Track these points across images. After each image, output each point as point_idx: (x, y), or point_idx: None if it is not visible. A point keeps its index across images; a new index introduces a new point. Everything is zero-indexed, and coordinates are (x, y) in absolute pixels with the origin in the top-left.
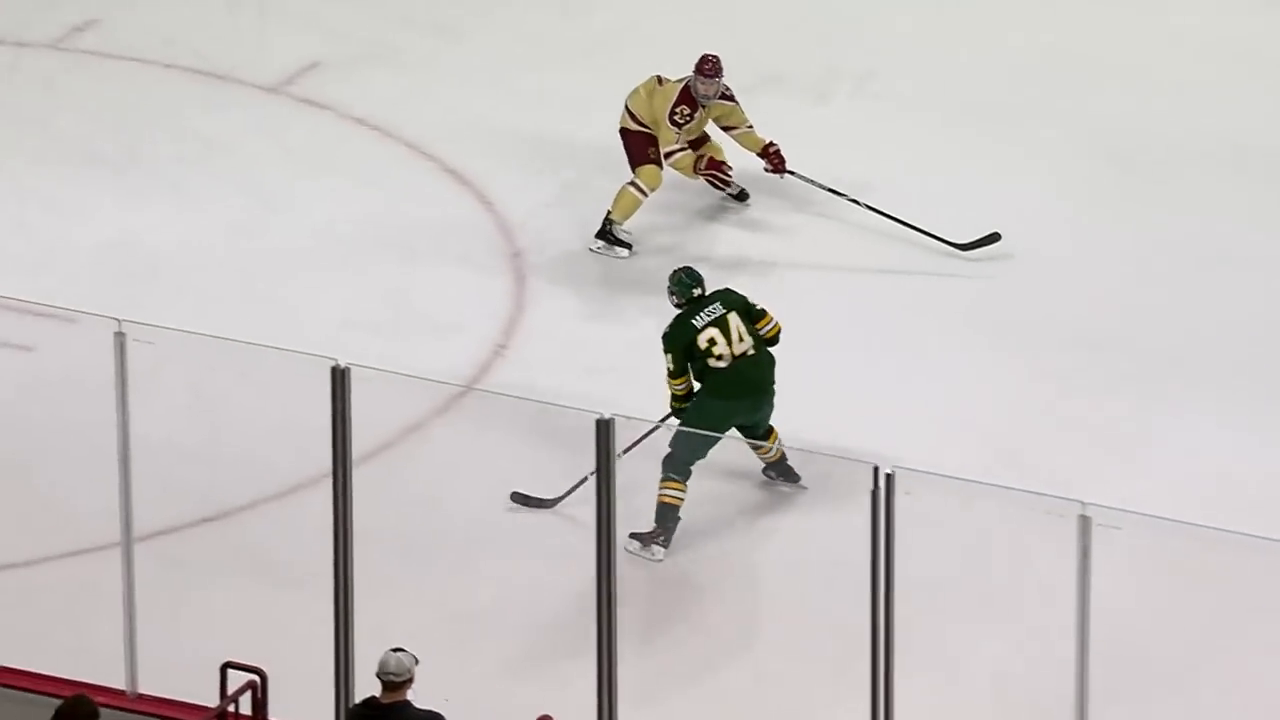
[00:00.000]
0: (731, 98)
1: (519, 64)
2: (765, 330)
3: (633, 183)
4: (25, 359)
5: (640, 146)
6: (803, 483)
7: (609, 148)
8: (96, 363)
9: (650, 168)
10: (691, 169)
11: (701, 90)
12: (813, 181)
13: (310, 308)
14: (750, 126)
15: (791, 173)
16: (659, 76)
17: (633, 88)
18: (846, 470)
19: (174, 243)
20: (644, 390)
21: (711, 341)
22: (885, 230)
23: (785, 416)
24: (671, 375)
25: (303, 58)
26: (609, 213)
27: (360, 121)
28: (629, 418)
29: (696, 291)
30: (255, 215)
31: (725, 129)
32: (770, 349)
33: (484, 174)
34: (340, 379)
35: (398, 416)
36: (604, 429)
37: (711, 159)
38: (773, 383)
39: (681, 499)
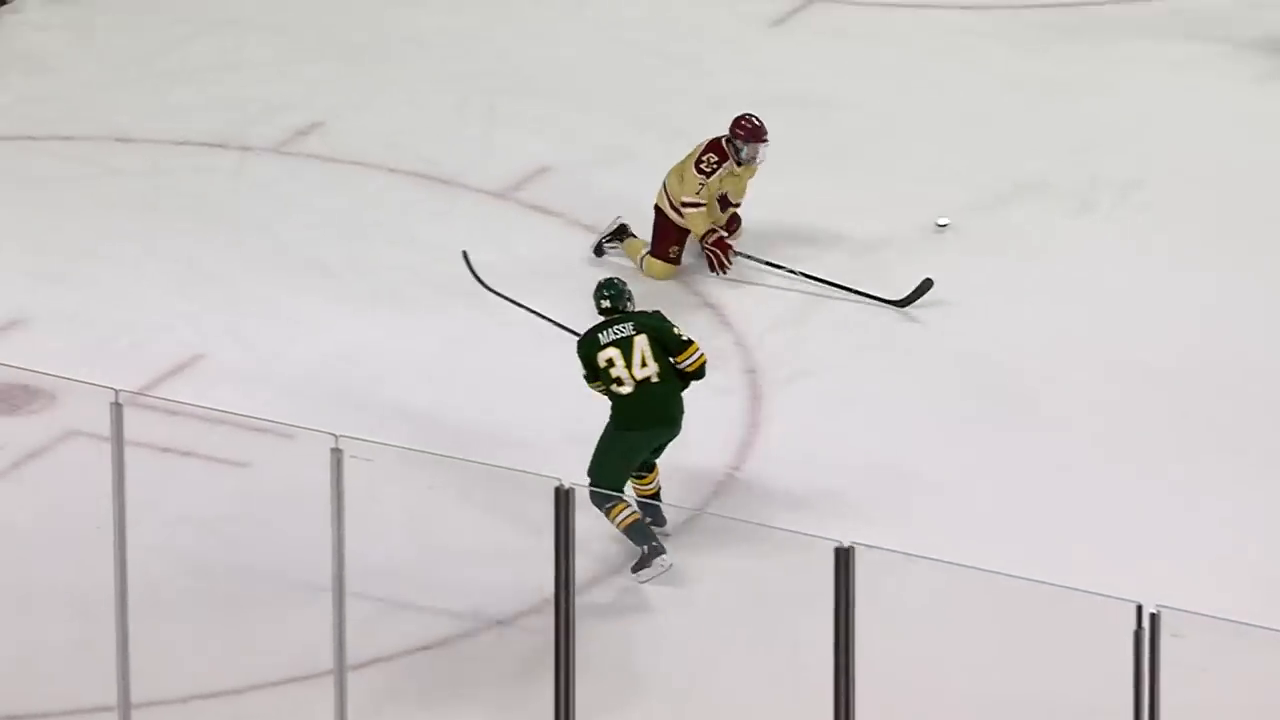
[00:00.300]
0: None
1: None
2: (685, 364)
3: (644, 258)
4: (240, 475)
5: (665, 236)
6: (666, 528)
7: (858, 258)
8: (312, 480)
9: (663, 265)
10: (701, 231)
11: (742, 151)
12: (752, 256)
13: (532, 424)
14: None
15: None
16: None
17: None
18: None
19: (395, 354)
20: (884, 517)
21: (610, 362)
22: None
23: (1039, 556)
24: (586, 380)
25: (531, 162)
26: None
27: (590, 229)
28: (869, 546)
29: (605, 304)
30: (477, 326)
31: (721, 196)
32: (691, 381)
33: (718, 286)
34: (564, 500)
35: (624, 540)
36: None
37: (722, 239)
38: (678, 415)
39: (635, 513)
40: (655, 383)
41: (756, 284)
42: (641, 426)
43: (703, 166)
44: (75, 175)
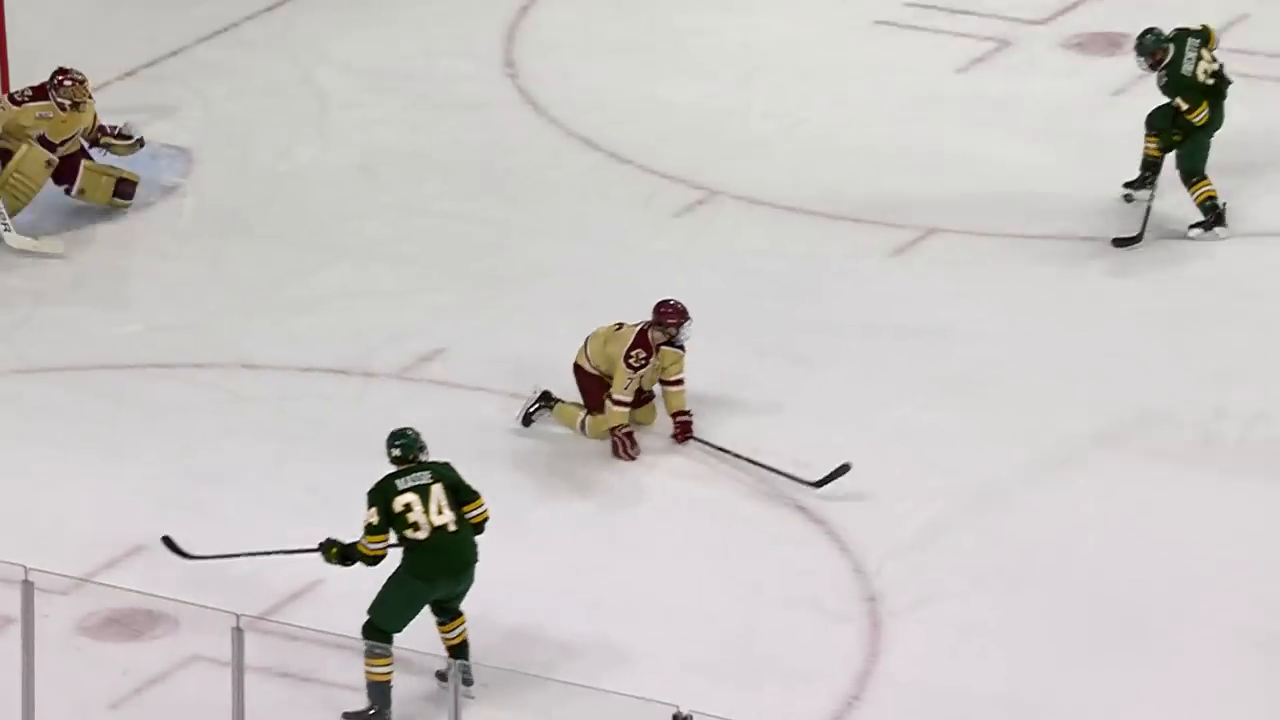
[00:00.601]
0: (682, 347)
1: (873, 398)
2: (472, 515)
3: (584, 420)
4: (359, 700)
5: (594, 390)
6: (472, 690)
7: (981, 491)
8: (428, 701)
9: (609, 413)
10: (614, 424)
11: (677, 334)
12: (711, 444)
13: (650, 649)
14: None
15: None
16: (620, 322)
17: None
18: None
19: (513, 573)
20: None
21: (408, 507)
22: None
23: None
24: (368, 531)
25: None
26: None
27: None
28: None
29: (395, 453)
30: (600, 552)
31: (664, 381)
32: (475, 534)
33: (839, 512)
34: None
35: None
36: None
37: (630, 432)
38: (472, 563)
39: (389, 673)
40: (451, 530)
41: (878, 509)
42: (435, 573)
43: (631, 362)
44: (203, 402)
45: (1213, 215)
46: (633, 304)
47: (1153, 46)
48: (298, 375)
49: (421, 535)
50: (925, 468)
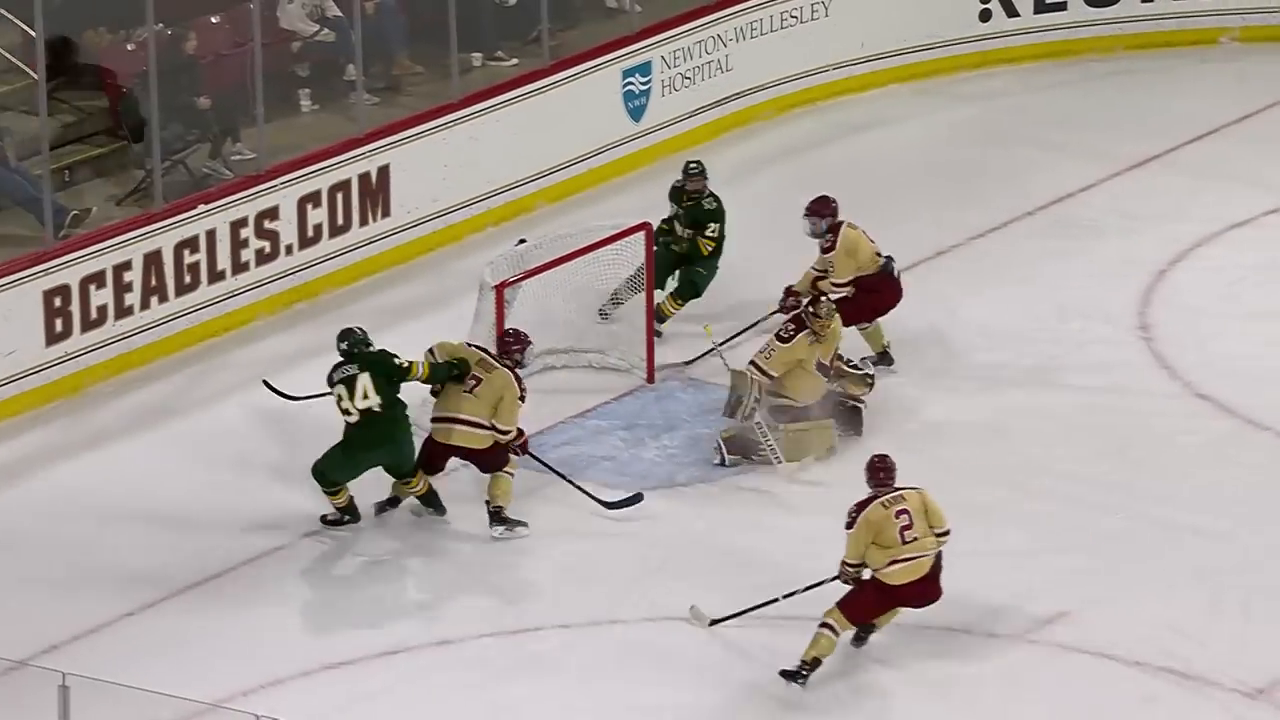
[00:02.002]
0: None
1: None
2: (416, 378)
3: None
4: None
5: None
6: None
7: None
8: None
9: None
10: None
11: None
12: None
13: None
14: None
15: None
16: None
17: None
18: None
19: None
20: None
21: (339, 398)
22: None
23: None
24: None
25: None
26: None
27: None
28: None
29: (342, 345)
30: None
31: None
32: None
33: None
34: None
35: None
36: None
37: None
38: (397, 435)
39: (347, 496)
40: (377, 411)
41: None
42: (368, 446)
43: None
44: (826, 661)
45: None
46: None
47: None
48: (918, 632)
49: (352, 419)
50: None
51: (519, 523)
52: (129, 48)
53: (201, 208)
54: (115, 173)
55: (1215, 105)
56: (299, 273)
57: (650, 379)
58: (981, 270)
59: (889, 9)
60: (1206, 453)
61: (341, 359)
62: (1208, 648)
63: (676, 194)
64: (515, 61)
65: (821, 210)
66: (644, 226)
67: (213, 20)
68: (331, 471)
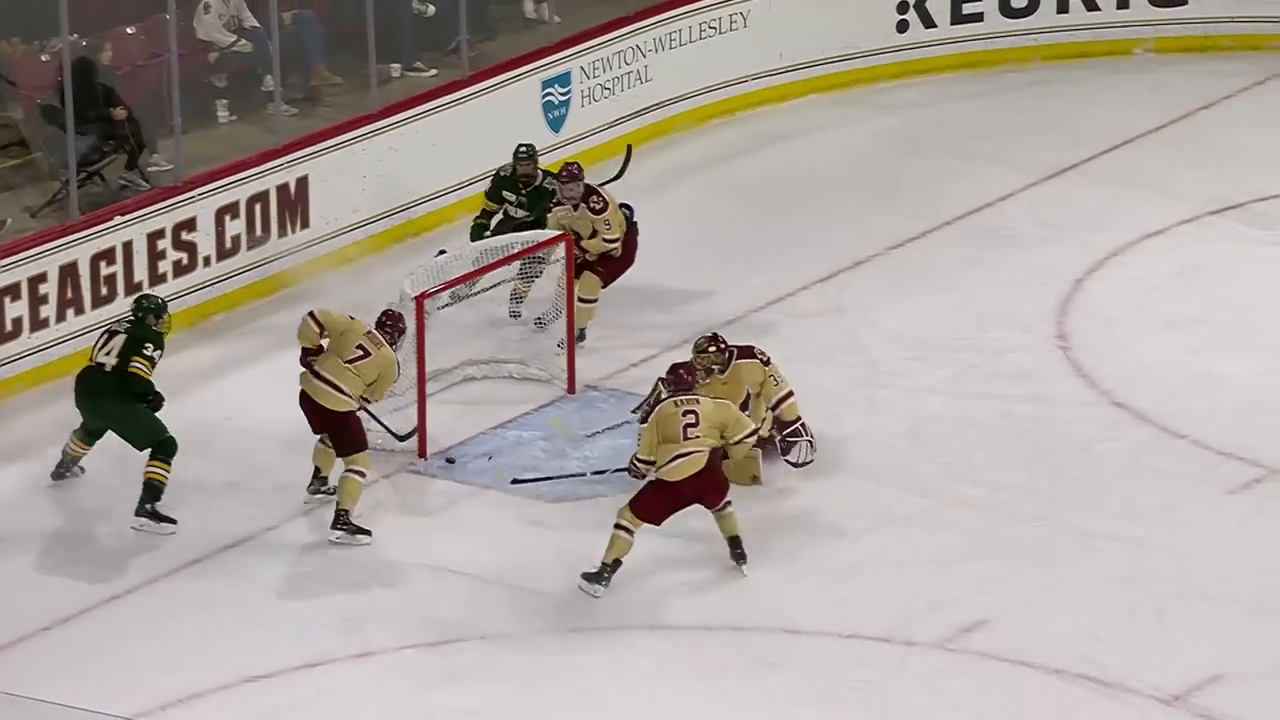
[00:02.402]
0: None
1: None
2: (130, 368)
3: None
4: None
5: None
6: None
7: None
8: None
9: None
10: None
11: None
12: None
13: None
14: None
15: None
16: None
17: None
18: None
19: None
20: None
21: (93, 345)
22: None
23: None
24: None
25: (1205, 668)
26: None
27: None
28: None
29: (133, 306)
30: None
31: None
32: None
33: None
34: None
35: None
36: None
37: None
38: (104, 398)
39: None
40: (101, 367)
41: None
42: (79, 393)
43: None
44: (745, 665)
45: None
46: (1185, 580)
47: None
48: (839, 641)
49: (87, 363)
50: None
51: (362, 530)
52: (43, 59)
53: (118, 219)
54: (30, 184)
55: (1130, 115)
56: (217, 284)
57: (571, 389)
58: (900, 279)
59: (807, 20)
60: (1124, 460)
61: (128, 315)
62: (1125, 654)
63: (508, 182)
64: (434, 72)
65: (577, 174)
66: (563, 237)
67: (128, 31)
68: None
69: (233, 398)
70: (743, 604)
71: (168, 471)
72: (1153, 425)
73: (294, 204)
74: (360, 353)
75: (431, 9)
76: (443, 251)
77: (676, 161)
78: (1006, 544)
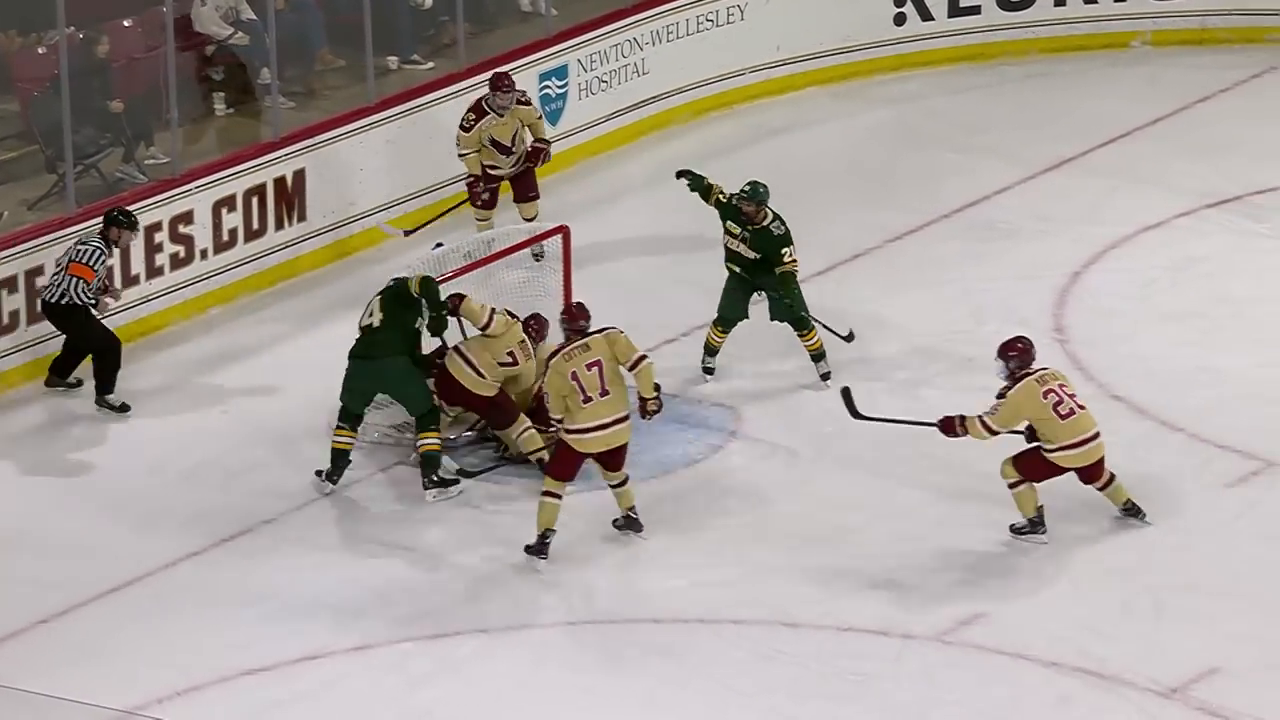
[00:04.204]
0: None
1: None
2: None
3: None
4: None
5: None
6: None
7: None
8: None
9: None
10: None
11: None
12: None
13: None
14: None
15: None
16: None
17: None
18: None
19: None
20: None
21: (363, 312)
22: None
23: None
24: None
25: (1201, 661)
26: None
27: None
28: None
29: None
30: None
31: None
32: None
33: None
34: None
35: None
36: None
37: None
38: (385, 356)
39: (347, 443)
40: (375, 327)
41: None
42: (355, 356)
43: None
44: (743, 658)
45: None
46: (1182, 573)
47: None
48: (836, 634)
49: (359, 331)
50: None
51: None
52: (40, 51)
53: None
54: (27, 177)
55: (1128, 108)
56: (214, 277)
57: None
58: (898, 273)
59: (804, 12)
60: (1121, 454)
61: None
62: (1122, 647)
63: (735, 212)
64: (431, 65)
65: (510, 85)
66: (561, 229)
67: (125, 23)
68: (343, 396)
69: (229, 390)
70: (741, 597)
71: (440, 439)
72: (1150, 418)
73: (290, 197)
74: (510, 359)
75: (428, 1)
76: (440, 244)
77: (674, 154)
78: (1003, 537)
